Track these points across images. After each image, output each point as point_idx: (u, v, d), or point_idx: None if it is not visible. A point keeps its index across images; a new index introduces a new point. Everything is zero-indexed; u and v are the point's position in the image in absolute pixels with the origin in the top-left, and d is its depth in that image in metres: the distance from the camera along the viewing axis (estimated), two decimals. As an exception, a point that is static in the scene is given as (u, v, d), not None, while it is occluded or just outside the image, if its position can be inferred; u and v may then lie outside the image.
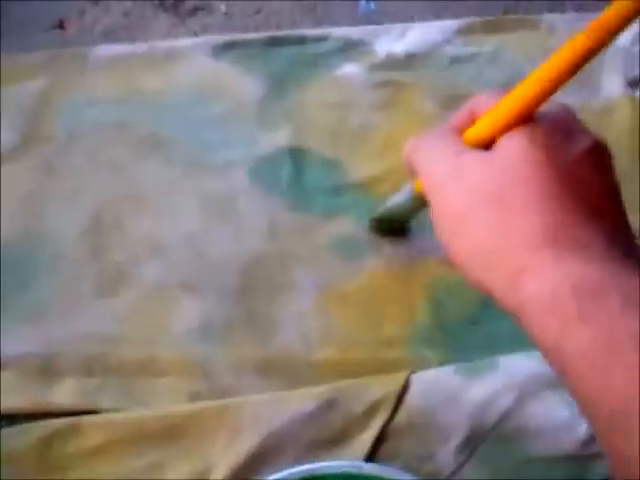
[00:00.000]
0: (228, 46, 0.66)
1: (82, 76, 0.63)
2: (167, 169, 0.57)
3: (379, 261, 0.54)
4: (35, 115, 0.61)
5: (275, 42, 0.66)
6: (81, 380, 0.48)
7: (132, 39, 0.68)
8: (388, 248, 0.55)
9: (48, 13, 0.69)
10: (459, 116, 0.43)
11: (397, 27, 0.68)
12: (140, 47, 0.66)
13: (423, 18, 0.69)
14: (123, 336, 0.50)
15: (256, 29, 0.69)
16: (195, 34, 0.68)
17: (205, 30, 0.69)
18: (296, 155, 0.59)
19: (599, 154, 0.38)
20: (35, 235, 0.54)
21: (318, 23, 0.70)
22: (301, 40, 0.67)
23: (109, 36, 0.68)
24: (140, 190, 0.56)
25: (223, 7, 0.70)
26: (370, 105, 0.63)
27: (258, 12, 0.70)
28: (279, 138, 0.60)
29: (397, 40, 0.67)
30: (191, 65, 0.64)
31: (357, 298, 0.52)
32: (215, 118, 0.61)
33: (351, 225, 0.55)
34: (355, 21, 0.70)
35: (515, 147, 0.37)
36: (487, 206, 0.36)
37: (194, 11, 0.70)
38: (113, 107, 0.61)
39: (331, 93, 0.63)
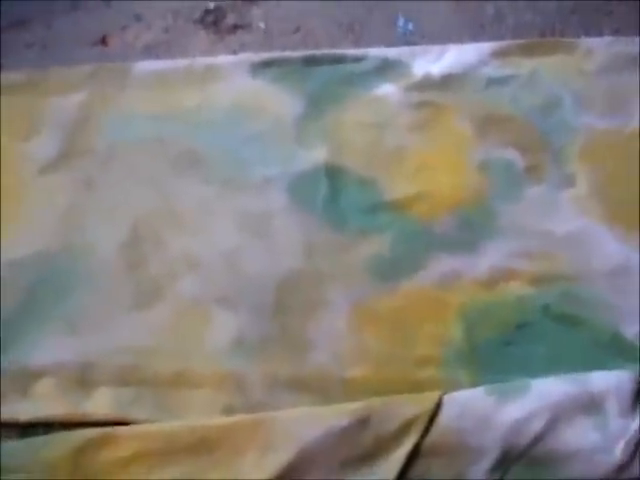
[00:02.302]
0: (267, 64, 0.66)
1: (123, 91, 0.64)
2: (205, 186, 0.58)
3: (413, 281, 0.53)
4: (77, 128, 0.62)
5: (313, 61, 0.67)
6: (116, 391, 0.49)
7: (172, 55, 0.69)
8: (423, 269, 0.54)
9: (91, 28, 0.70)
10: None
11: (434, 48, 0.69)
12: (180, 63, 0.67)
13: (460, 40, 0.70)
14: (158, 349, 0.50)
15: (294, 48, 0.70)
16: (234, 52, 0.69)
17: (244, 47, 0.70)
18: (332, 174, 0.59)
19: None
20: (75, 247, 0.55)
21: (356, 43, 0.71)
22: (339, 59, 0.67)
23: (150, 52, 0.69)
24: (178, 206, 0.57)
25: (262, 25, 0.71)
26: (406, 125, 0.63)
27: (297, 31, 0.71)
28: (316, 156, 0.60)
29: (434, 61, 0.68)
30: (230, 83, 0.65)
31: (391, 317, 0.52)
32: (253, 136, 0.61)
33: (386, 244, 0.56)
34: (393, 41, 0.70)
35: None
36: None
37: (234, 29, 0.71)
38: (152, 123, 0.62)
39: (368, 113, 0.64)
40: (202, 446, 0.46)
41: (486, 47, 0.69)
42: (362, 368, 0.51)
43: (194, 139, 0.60)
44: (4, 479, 0.44)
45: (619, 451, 0.47)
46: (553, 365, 0.51)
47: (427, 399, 0.49)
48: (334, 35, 0.71)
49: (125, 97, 0.63)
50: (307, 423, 0.47)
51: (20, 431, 0.48)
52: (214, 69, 0.65)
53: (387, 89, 0.65)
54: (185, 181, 0.58)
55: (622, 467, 0.46)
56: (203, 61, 0.66)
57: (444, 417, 0.48)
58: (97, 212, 0.56)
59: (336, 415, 0.48)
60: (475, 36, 0.72)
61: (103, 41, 0.69)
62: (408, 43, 0.71)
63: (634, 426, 0.48)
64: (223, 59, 0.67)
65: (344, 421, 0.47)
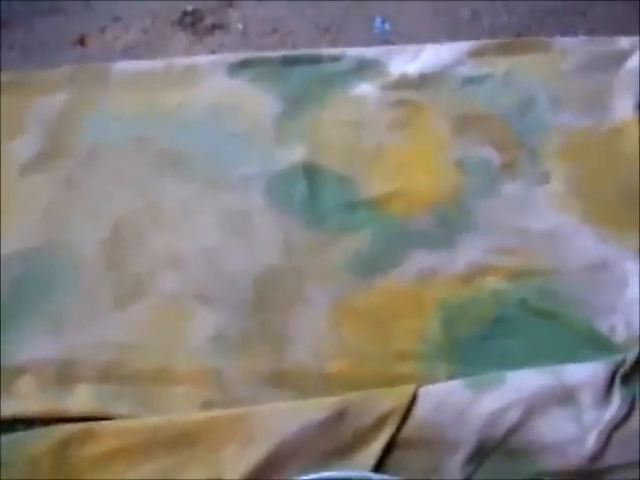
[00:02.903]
0: (245, 64, 0.67)
1: (103, 91, 0.65)
2: (185, 184, 0.59)
3: (391, 277, 0.54)
4: (58, 128, 0.63)
5: (291, 61, 0.68)
6: (97, 387, 0.50)
7: (151, 56, 0.69)
8: (401, 265, 0.55)
9: (71, 30, 0.71)
10: None
11: (411, 48, 0.70)
12: (159, 64, 0.67)
13: (436, 40, 0.71)
14: (139, 345, 0.51)
15: (272, 48, 0.71)
16: (213, 52, 0.70)
17: (222, 48, 0.70)
18: (311, 172, 0.60)
19: None
20: (56, 245, 0.56)
21: (333, 43, 0.72)
22: (316, 59, 0.68)
23: (129, 53, 0.70)
24: (158, 204, 0.58)
25: (240, 26, 0.72)
26: (384, 124, 0.64)
27: (274, 31, 0.72)
28: (295, 155, 0.61)
29: (411, 61, 0.69)
30: (209, 82, 0.66)
31: (369, 313, 0.53)
32: (232, 135, 0.62)
33: (365, 242, 0.57)
34: (370, 41, 0.71)
35: None
36: None
37: (212, 30, 0.71)
38: (133, 122, 0.63)
39: (346, 112, 0.64)
40: (182, 441, 0.46)
41: (462, 46, 0.70)
42: (341, 363, 0.51)
43: (174, 138, 0.61)
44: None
45: (592, 442, 0.48)
46: (530, 358, 0.52)
47: (403, 392, 0.50)
48: (311, 36, 0.72)
49: (105, 97, 0.64)
50: (286, 417, 0.48)
51: (1, 428, 0.48)
52: (193, 69, 0.66)
53: (365, 88, 0.66)
54: (166, 180, 0.58)
55: (595, 457, 0.47)
56: (182, 61, 0.67)
57: (420, 410, 0.49)
58: (79, 211, 0.57)
59: (314, 409, 0.48)
60: (451, 36, 0.72)
61: (82, 42, 0.70)
62: (385, 43, 0.72)
63: (607, 417, 0.48)
64: (201, 59, 0.67)
65: (322, 415, 0.48)
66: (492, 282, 0.55)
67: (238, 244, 0.56)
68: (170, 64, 0.67)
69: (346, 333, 0.52)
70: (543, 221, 0.58)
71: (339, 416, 0.48)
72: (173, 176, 0.59)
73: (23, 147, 0.61)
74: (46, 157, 0.61)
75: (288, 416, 0.48)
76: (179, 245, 0.55)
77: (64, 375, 0.50)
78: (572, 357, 0.51)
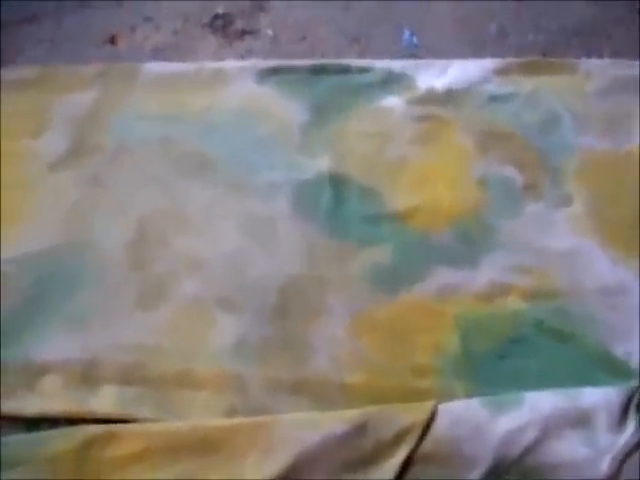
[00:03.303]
0: (273, 71, 0.67)
1: (132, 91, 0.65)
2: (209, 188, 0.59)
3: (412, 291, 0.55)
4: (86, 126, 0.63)
5: (319, 70, 0.68)
6: (120, 389, 0.50)
7: (181, 58, 0.69)
8: (421, 280, 0.55)
9: (101, 27, 0.71)
10: None
11: (438, 63, 0.70)
12: (189, 67, 0.68)
13: (463, 55, 0.71)
14: (162, 348, 0.51)
15: (301, 56, 0.71)
16: (242, 57, 0.70)
17: (251, 53, 0.71)
18: (336, 182, 0.60)
19: None
20: (81, 244, 0.56)
21: (362, 54, 0.72)
22: (345, 70, 0.68)
23: (158, 53, 0.70)
24: (183, 206, 0.58)
25: (270, 32, 0.72)
26: (409, 138, 0.64)
27: (304, 39, 0.72)
28: (320, 164, 0.61)
29: (437, 76, 0.69)
30: (237, 87, 0.66)
31: (389, 326, 0.54)
32: (258, 140, 0.63)
33: (387, 254, 0.57)
34: (398, 53, 0.72)
35: None
36: None
37: (242, 34, 0.72)
38: (160, 123, 0.63)
39: (371, 123, 0.65)
40: (204, 446, 0.47)
41: (489, 64, 0.71)
42: (360, 375, 0.52)
43: (201, 141, 0.61)
44: (6, 474, 0.44)
45: (606, 466, 0.48)
46: (545, 379, 0.52)
47: (422, 408, 0.50)
48: (340, 45, 0.72)
49: (134, 97, 0.64)
50: (307, 428, 0.48)
51: (25, 426, 0.49)
52: (222, 73, 0.66)
53: (391, 101, 0.67)
54: (191, 182, 0.59)
55: (608, 480, 0.47)
56: (211, 65, 0.67)
57: (439, 426, 0.50)
58: (104, 210, 0.57)
59: (335, 421, 0.49)
60: (477, 52, 0.73)
61: (112, 40, 0.70)
62: (412, 56, 0.72)
63: (621, 442, 0.49)
64: (231, 64, 0.68)
65: (342, 427, 0.49)
66: (510, 301, 0.56)
67: (261, 251, 0.56)
68: (199, 67, 0.67)
69: (366, 345, 0.53)
70: (562, 242, 0.59)
71: (359, 429, 0.49)
72: (198, 179, 0.59)
73: (50, 144, 0.62)
74: (73, 155, 0.61)
75: (309, 427, 0.48)
76: (202, 249, 0.56)
77: (88, 375, 0.50)
78: (588, 380, 0.52)
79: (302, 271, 0.55)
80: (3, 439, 0.48)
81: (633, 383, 0.51)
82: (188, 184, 0.59)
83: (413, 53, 0.72)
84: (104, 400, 0.49)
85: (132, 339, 0.52)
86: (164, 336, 0.52)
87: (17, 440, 0.48)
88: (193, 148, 0.60)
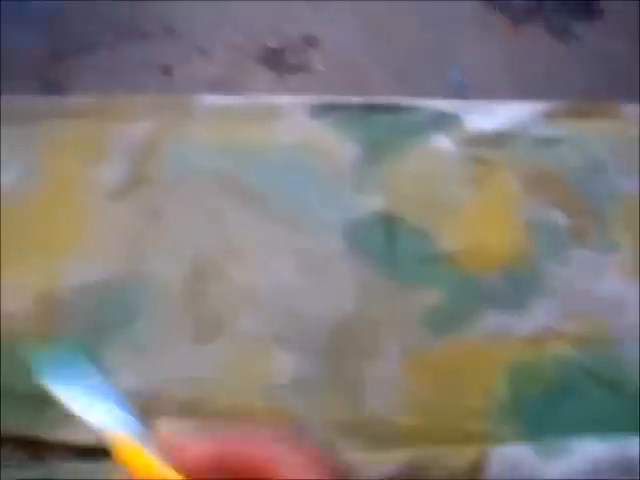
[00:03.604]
0: (326, 108, 0.69)
1: (188, 123, 0.66)
2: (264, 223, 0.60)
3: (463, 334, 0.56)
4: (142, 156, 0.64)
5: (370, 108, 0.69)
6: (176, 422, 0.51)
7: (234, 90, 0.71)
8: (472, 323, 0.56)
9: (155, 57, 0.72)
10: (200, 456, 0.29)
11: (486, 104, 0.71)
12: (243, 100, 0.69)
13: (510, 96, 0.72)
14: (219, 383, 0.52)
15: (351, 93, 0.72)
16: (294, 92, 0.71)
17: (303, 88, 0.72)
18: (388, 222, 0.61)
19: None
20: (139, 275, 0.57)
21: (411, 92, 0.73)
22: (395, 108, 0.70)
23: (213, 86, 0.71)
24: (238, 241, 0.59)
25: (321, 68, 0.73)
26: (459, 179, 0.65)
27: (353, 75, 0.73)
28: (373, 203, 0.62)
29: (486, 117, 0.70)
30: (291, 123, 0.67)
31: (441, 368, 0.54)
32: (312, 178, 0.64)
33: (438, 296, 0.58)
34: (446, 92, 0.73)
35: None
36: None
37: (294, 69, 0.73)
38: (216, 156, 0.64)
39: (423, 164, 0.66)
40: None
41: (536, 107, 0.72)
42: (413, 416, 0.53)
43: (256, 177, 0.63)
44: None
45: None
46: (595, 427, 0.53)
47: (473, 452, 0.51)
48: (389, 83, 0.73)
49: (190, 129, 0.65)
50: (359, 469, 0.49)
51: (76, 455, 0.49)
52: (276, 108, 0.67)
53: (441, 142, 0.68)
54: (246, 217, 0.60)
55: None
56: (265, 100, 0.69)
57: (489, 470, 0.50)
58: (161, 242, 0.58)
59: (387, 462, 0.49)
60: (525, 93, 0.74)
61: (167, 71, 0.71)
62: (460, 96, 0.73)
63: (670, 493, 0.50)
64: (284, 99, 0.69)
65: (392, 469, 0.49)
66: (558, 347, 0.57)
67: (316, 288, 0.57)
68: (253, 101, 0.68)
69: (419, 387, 0.54)
70: (610, 288, 0.60)
71: (409, 471, 0.49)
72: (253, 213, 0.60)
73: (108, 173, 0.63)
74: (130, 185, 0.62)
75: (360, 469, 0.49)
76: (258, 284, 0.57)
77: (146, 407, 0.50)
78: (637, 429, 0.52)
79: (356, 310, 0.56)
80: (59, 466, 0.48)
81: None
82: (244, 218, 0.60)
83: (461, 92, 0.72)
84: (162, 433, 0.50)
85: (190, 373, 0.53)
86: (221, 371, 0.53)
87: (71, 469, 0.48)
88: (249, 182, 0.62)
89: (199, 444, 0.30)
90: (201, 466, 0.27)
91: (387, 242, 0.60)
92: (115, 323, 0.54)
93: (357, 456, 0.49)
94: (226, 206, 0.60)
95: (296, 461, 0.27)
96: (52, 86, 0.69)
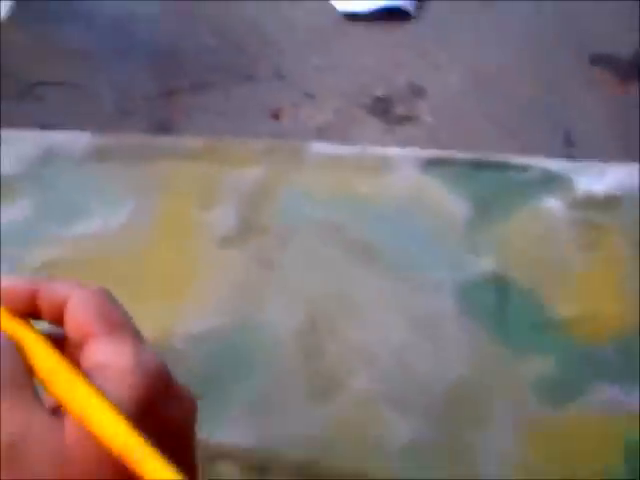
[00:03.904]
0: (436, 162, 0.68)
1: (298, 170, 0.66)
2: (378, 280, 0.60)
3: (577, 406, 0.55)
4: (254, 203, 0.64)
5: (480, 164, 0.69)
6: (294, 483, 0.50)
7: (343, 138, 0.71)
8: (585, 395, 0.55)
9: (264, 101, 0.73)
10: (20, 292, 0.33)
11: (596, 165, 0.70)
12: (353, 150, 0.69)
13: (617, 154, 0.71)
14: (334, 445, 0.52)
15: (460, 146, 0.72)
16: (402, 144, 0.71)
17: (411, 140, 0.72)
18: (500, 284, 0.60)
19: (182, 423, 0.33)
20: (252, 326, 0.57)
21: (519, 150, 0.72)
22: (504, 166, 0.69)
23: (321, 132, 0.71)
24: (353, 297, 0.59)
25: (430, 119, 0.73)
26: (571, 243, 0.64)
27: (462, 129, 0.73)
28: (484, 264, 0.62)
29: (596, 179, 0.69)
30: (401, 176, 0.67)
31: (556, 443, 0.54)
32: (423, 234, 0.63)
33: (551, 365, 0.57)
34: (554, 151, 0.72)
35: (88, 450, 0.29)
36: None
37: (402, 120, 0.73)
38: (328, 207, 0.64)
39: (534, 225, 0.65)
40: None
41: (645, 169, 0.70)
42: (527, 491, 0.51)
43: (367, 230, 0.62)
44: None
45: None
46: None
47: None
48: (497, 138, 0.73)
49: (301, 177, 0.65)
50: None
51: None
52: (385, 160, 0.67)
53: (551, 203, 0.67)
54: (358, 272, 0.59)
55: None
56: (375, 150, 0.68)
57: None
58: (274, 292, 0.58)
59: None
60: (631, 153, 0.72)
61: (275, 116, 0.71)
62: (568, 155, 0.72)
63: None
64: (393, 151, 0.69)
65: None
66: (674, 424, 0.55)
67: (429, 349, 0.56)
68: (364, 152, 0.68)
69: (534, 460, 0.53)
70: None
71: None
72: (365, 269, 0.60)
73: (220, 218, 0.63)
74: (242, 232, 0.62)
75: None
76: (372, 342, 0.56)
77: (261, 466, 0.51)
78: None
79: (469, 374, 0.55)
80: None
81: None
82: (357, 273, 0.59)
83: (570, 153, 0.72)
84: (277, 493, 0.49)
85: (305, 432, 0.52)
86: (336, 432, 0.53)
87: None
88: (361, 236, 0.61)
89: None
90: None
91: (498, 304, 0.59)
92: (229, 374, 0.54)
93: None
94: (339, 259, 0.60)
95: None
96: (162, 124, 0.70)
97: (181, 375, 0.54)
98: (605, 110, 0.74)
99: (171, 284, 0.59)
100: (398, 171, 0.67)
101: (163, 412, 0.32)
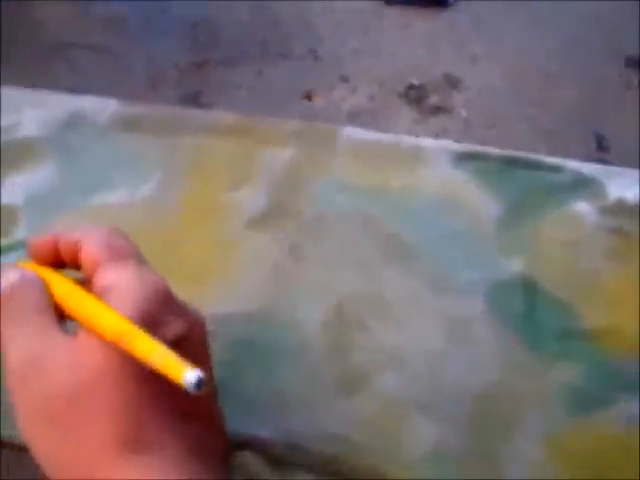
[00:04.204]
0: (469, 156, 0.67)
1: (330, 155, 0.65)
2: (409, 278, 0.59)
3: (603, 420, 0.54)
4: (284, 185, 0.63)
5: (512, 162, 0.68)
6: (315, 479, 0.49)
7: (376, 125, 0.70)
8: (612, 408, 0.55)
9: (298, 81, 0.71)
10: (44, 243, 0.40)
11: (629, 172, 0.69)
12: (386, 138, 0.67)
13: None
14: (358, 443, 0.51)
15: (492, 142, 0.71)
16: (436, 134, 0.70)
17: (445, 132, 0.70)
18: (528, 288, 0.60)
19: (190, 340, 0.38)
20: (279, 314, 0.56)
21: (551, 151, 0.71)
22: (537, 166, 0.68)
23: (354, 117, 0.70)
24: (383, 294, 0.58)
25: (464, 112, 0.71)
26: (601, 250, 0.63)
27: (495, 125, 0.71)
28: (514, 265, 0.61)
29: (629, 186, 0.68)
30: (434, 169, 0.66)
31: (581, 454, 0.53)
32: (455, 233, 0.62)
33: (578, 375, 0.56)
34: (587, 155, 0.71)
35: (97, 350, 0.34)
36: (64, 410, 0.34)
37: (436, 110, 0.71)
38: (359, 197, 0.63)
39: (564, 229, 0.64)
40: None
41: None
42: (553, 503, 0.51)
43: (400, 225, 0.61)
44: None
45: None
46: None
47: None
48: (530, 138, 0.71)
49: (333, 163, 0.64)
50: None
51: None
52: (419, 151, 0.66)
53: (582, 207, 0.66)
54: (391, 268, 0.58)
55: None
56: (409, 140, 0.67)
57: None
58: (304, 282, 0.57)
59: None
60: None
61: (308, 97, 0.70)
62: (601, 160, 0.71)
63: None
64: (427, 142, 0.67)
65: None
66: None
67: (458, 354, 0.55)
68: (397, 141, 0.67)
69: (560, 471, 0.52)
70: None
71: None
72: (398, 266, 0.59)
73: (250, 199, 0.61)
74: (272, 215, 0.61)
75: None
76: (402, 342, 0.55)
77: (284, 460, 0.50)
78: None
79: (499, 380, 0.55)
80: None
81: None
82: (389, 270, 0.58)
83: (602, 157, 0.70)
84: (298, 488, 0.49)
85: (328, 428, 0.51)
86: (360, 431, 0.52)
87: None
88: (392, 231, 0.60)
89: None
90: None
91: (527, 309, 0.58)
92: (255, 362, 0.53)
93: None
94: (370, 253, 0.59)
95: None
96: (192, 97, 0.68)
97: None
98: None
99: (195, 263, 0.58)
100: (431, 164, 0.66)
101: (167, 324, 0.36)
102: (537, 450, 0.53)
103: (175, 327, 0.37)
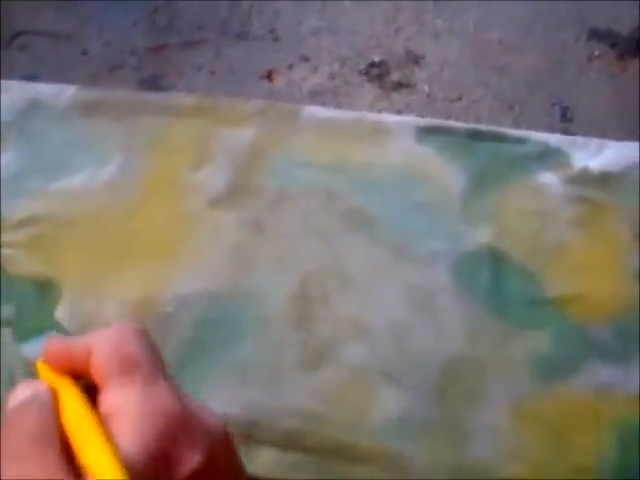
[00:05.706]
0: (432, 130, 0.66)
1: (292, 133, 0.64)
2: (373, 249, 0.58)
3: (570, 385, 0.55)
4: (246, 164, 0.62)
5: (477, 135, 0.67)
6: (279, 453, 0.49)
7: (337, 103, 0.69)
8: (578, 374, 0.55)
9: (258, 62, 0.70)
10: (58, 351, 0.35)
11: (594, 142, 0.69)
12: (349, 115, 0.67)
13: (617, 135, 0.69)
14: (323, 416, 0.51)
15: (456, 116, 0.70)
16: (398, 111, 0.69)
17: (407, 108, 0.70)
18: (495, 258, 0.59)
19: (213, 467, 0.32)
20: (243, 291, 0.55)
21: (515, 122, 0.71)
22: (501, 138, 0.68)
23: (315, 96, 0.69)
24: (346, 266, 0.57)
25: (426, 88, 0.71)
26: (566, 220, 0.63)
27: (459, 99, 0.71)
28: (480, 236, 0.61)
29: (593, 156, 0.68)
30: (397, 144, 0.65)
31: (548, 420, 0.53)
32: (419, 204, 0.62)
33: (545, 342, 0.56)
34: (551, 125, 0.70)
35: None
36: None
37: (398, 86, 0.71)
38: (322, 173, 0.62)
39: (529, 200, 0.64)
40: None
41: (647, 146, 0.69)
42: (520, 468, 0.51)
43: (363, 198, 0.61)
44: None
45: None
46: None
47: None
48: (494, 110, 0.71)
49: (295, 141, 0.63)
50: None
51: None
52: (382, 127, 0.65)
53: (547, 178, 0.66)
54: (354, 241, 0.58)
55: None
56: (371, 117, 0.67)
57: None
58: (266, 258, 0.57)
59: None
60: (632, 132, 0.71)
61: (269, 77, 0.69)
62: (565, 131, 0.71)
63: None
64: (390, 118, 0.67)
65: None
66: (667, 407, 0.54)
67: (424, 323, 0.55)
68: (360, 118, 0.66)
69: (525, 437, 0.52)
70: None
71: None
72: (360, 238, 0.59)
73: (211, 178, 0.61)
74: (233, 193, 0.60)
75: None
76: (366, 314, 0.55)
77: (248, 435, 0.49)
78: None
79: (464, 350, 0.54)
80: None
81: None
82: (351, 242, 0.58)
83: (566, 128, 0.70)
84: (262, 462, 0.48)
85: (293, 402, 0.51)
86: (326, 403, 0.51)
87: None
88: (356, 204, 0.60)
89: None
90: None
91: (493, 279, 0.58)
92: (218, 339, 0.52)
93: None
94: (334, 227, 0.58)
95: None
96: (151, 80, 0.67)
97: (167, 338, 0.52)
98: (604, 86, 0.72)
99: (159, 244, 0.57)
100: (394, 139, 0.65)
101: (181, 460, 0.31)
102: (504, 418, 0.52)
103: (191, 462, 0.31)
